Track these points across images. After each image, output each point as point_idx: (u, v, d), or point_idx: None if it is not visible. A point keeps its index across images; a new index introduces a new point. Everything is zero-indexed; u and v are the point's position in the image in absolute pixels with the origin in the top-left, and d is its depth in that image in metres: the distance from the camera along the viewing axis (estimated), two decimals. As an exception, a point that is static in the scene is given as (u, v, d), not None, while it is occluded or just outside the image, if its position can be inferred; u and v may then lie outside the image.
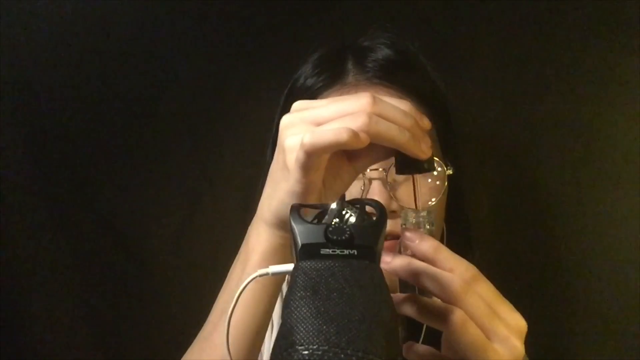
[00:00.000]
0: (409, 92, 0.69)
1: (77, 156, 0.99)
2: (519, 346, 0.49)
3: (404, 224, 0.57)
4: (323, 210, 0.45)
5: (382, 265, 0.51)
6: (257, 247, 0.55)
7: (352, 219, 0.43)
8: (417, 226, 0.56)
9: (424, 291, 0.52)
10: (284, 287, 0.82)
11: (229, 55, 0.99)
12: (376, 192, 0.68)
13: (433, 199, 0.67)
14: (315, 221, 0.44)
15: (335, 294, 0.37)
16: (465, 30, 0.96)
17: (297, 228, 0.42)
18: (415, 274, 0.51)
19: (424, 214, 0.56)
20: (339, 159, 0.51)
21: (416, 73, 0.74)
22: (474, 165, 0.97)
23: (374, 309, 0.38)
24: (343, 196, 0.47)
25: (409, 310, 0.51)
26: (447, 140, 0.73)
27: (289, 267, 0.43)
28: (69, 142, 0.99)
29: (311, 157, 0.46)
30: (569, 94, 0.94)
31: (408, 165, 0.51)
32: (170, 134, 1.00)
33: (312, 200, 0.49)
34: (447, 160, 0.68)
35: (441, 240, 0.72)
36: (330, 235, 0.41)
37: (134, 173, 1.00)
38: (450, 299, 0.49)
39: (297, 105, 0.52)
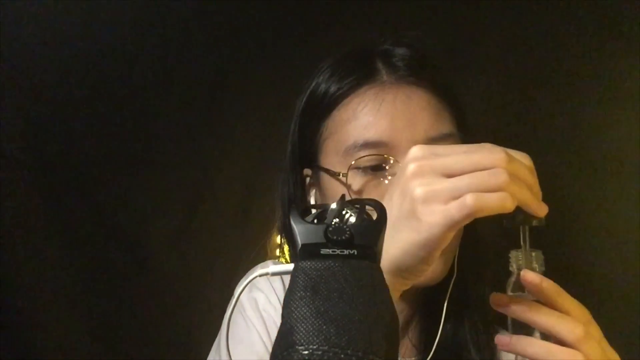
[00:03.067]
0: (438, 90, 0.70)
1: (77, 157, 0.99)
2: None
3: (513, 265, 0.57)
4: (323, 210, 0.45)
5: (499, 308, 0.54)
6: None
7: (352, 219, 0.43)
8: (527, 268, 0.57)
9: (542, 332, 0.54)
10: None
11: (230, 58, 1.00)
12: None
13: None
14: (315, 221, 0.44)
15: (335, 294, 0.37)
16: (465, 31, 0.96)
17: (297, 228, 0.42)
18: (538, 319, 0.53)
19: (534, 254, 0.57)
20: None
21: (439, 71, 0.75)
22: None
23: (374, 309, 0.38)
24: (343, 196, 0.46)
25: (528, 351, 0.53)
26: (466, 140, 0.73)
27: (289, 267, 0.42)
28: (69, 143, 0.99)
29: (469, 219, 0.46)
30: (570, 94, 0.94)
31: (520, 218, 0.51)
32: (171, 135, 1.00)
33: (437, 256, 0.49)
34: None
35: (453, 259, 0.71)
36: (330, 235, 0.41)
37: (134, 173, 1.00)
38: (574, 344, 0.51)
39: (418, 152, 0.50)
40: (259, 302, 0.77)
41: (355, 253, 0.40)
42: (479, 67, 0.96)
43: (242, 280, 0.81)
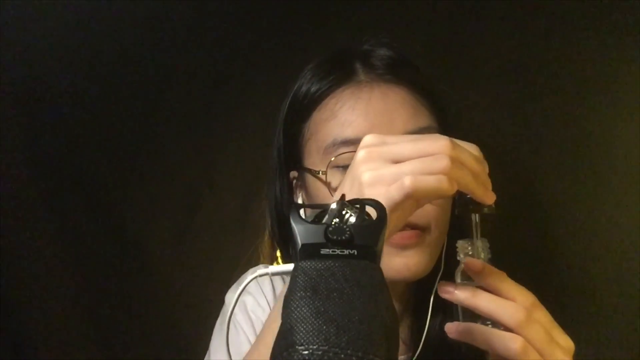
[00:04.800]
0: (416, 87, 0.71)
1: (77, 157, 0.99)
2: None
3: (461, 255, 0.60)
4: (323, 210, 0.45)
5: (445, 295, 0.56)
6: None
7: (352, 219, 0.43)
8: (474, 256, 0.59)
9: (487, 319, 0.56)
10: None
11: (230, 58, 1.00)
12: None
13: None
14: (315, 221, 0.44)
15: (335, 294, 0.37)
16: (464, 32, 0.96)
17: (297, 228, 0.42)
18: (480, 304, 0.54)
19: (480, 242, 0.59)
20: None
21: (418, 70, 0.76)
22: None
23: (374, 309, 0.38)
24: (343, 196, 0.46)
25: (471, 338, 0.55)
26: (447, 134, 0.74)
27: (289, 267, 0.43)
28: (69, 143, 0.99)
29: (408, 199, 0.48)
30: (569, 94, 0.94)
31: (469, 206, 0.53)
32: (171, 135, 1.00)
33: (384, 238, 0.50)
34: None
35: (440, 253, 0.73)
36: (330, 235, 0.41)
37: (135, 174, 1.00)
38: (515, 328, 0.52)
39: (370, 140, 0.53)
40: (247, 305, 0.78)
41: (355, 253, 0.40)
42: (479, 67, 0.96)
43: (233, 286, 0.82)
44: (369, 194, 0.50)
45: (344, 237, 0.41)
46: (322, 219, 0.44)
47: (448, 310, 0.73)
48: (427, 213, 0.67)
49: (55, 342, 0.98)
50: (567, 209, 0.96)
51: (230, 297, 0.84)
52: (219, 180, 1.02)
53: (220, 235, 1.01)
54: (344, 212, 0.44)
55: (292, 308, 0.37)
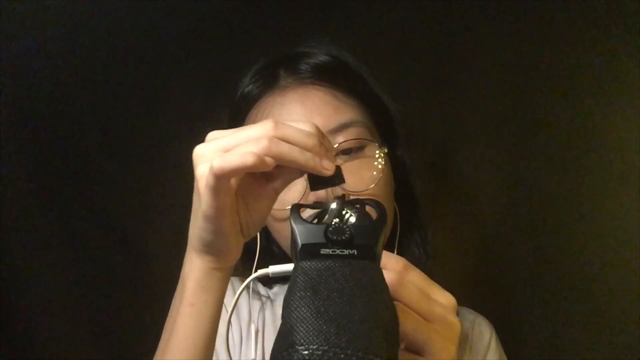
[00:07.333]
0: (338, 88, 0.73)
1: (77, 156, 0.99)
2: (455, 321, 0.52)
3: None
4: (323, 210, 0.45)
5: None
6: (190, 275, 0.58)
7: (352, 219, 0.43)
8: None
9: None
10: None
11: (228, 57, 0.99)
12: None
13: (374, 173, 0.70)
14: (315, 221, 0.44)
15: (335, 294, 0.37)
16: (464, 31, 0.96)
17: (297, 228, 0.42)
18: None
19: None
20: (257, 181, 0.53)
21: (346, 73, 0.77)
22: (474, 166, 0.98)
23: (374, 309, 0.38)
24: (343, 196, 0.47)
25: None
26: (382, 125, 0.77)
27: (289, 267, 0.43)
28: (69, 143, 0.99)
29: (220, 181, 0.48)
30: (568, 93, 0.94)
31: (319, 181, 0.52)
32: (170, 134, 1.00)
33: (226, 223, 0.51)
34: (386, 144, 0.72)
35: (394, 219, 0.75)
36: (330, 235, 0.41)
37: (134, 173, 1.00)
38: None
39: (210, 135, 0.54)
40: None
41: (355, 253, 0.40)
42: (479, 67, 0.96)
43: None
44: (200, 185, 0.51)
45: (344, 237, 0.41)
46: (322, 219, 0.44)
47: None
48: None
49: (55, 342, 0.98)
50: (567, 209, 0.96)
51: None
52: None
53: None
54: (344, 212, 0.44)
55: (292, 308, 0.37)
